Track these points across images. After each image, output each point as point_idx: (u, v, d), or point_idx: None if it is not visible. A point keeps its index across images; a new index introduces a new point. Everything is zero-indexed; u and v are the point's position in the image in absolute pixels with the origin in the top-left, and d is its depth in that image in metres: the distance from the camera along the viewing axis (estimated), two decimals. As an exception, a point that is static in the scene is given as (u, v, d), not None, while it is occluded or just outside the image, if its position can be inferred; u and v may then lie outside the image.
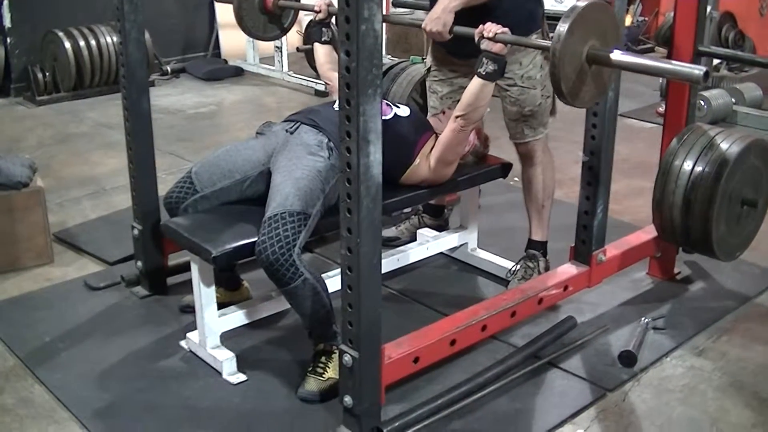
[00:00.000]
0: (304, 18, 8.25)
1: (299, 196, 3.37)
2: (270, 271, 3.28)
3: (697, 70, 2.85)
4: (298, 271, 3.26)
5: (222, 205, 3.70)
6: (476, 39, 3.49)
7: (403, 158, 3.80)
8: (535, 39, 3.90)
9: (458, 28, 3.67)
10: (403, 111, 3.94)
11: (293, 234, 3.27)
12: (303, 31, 8.43)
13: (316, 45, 4.32)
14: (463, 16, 3.67)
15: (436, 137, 3.89)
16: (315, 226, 3.43)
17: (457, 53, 4.05)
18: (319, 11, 4.22)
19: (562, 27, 2.87)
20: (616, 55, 2.96)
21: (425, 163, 3.83)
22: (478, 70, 3.54)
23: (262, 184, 3.65)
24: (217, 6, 9.40)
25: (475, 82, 3.60)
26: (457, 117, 3.71)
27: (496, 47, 3.45)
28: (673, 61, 3.13)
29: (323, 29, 4.28)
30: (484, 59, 3.51)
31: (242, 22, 4.42)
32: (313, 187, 3.44)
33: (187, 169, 3.80)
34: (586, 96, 3.07)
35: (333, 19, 4.29)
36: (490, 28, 3.44)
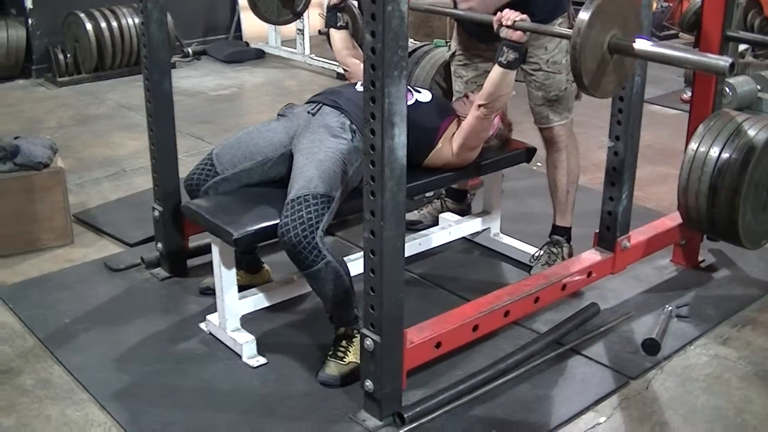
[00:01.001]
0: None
1: (323, 178, 3.35)
2: (292, 254, 3.26)
3: (723, 61, 2.79)
4: (321, 254, 3.25)
5: (243, 187, 3.68)
6: (495, 27, 3.45)
7: (426, 143, 3.77)
8: (557, 26, 3.87)
9: (476, 15, 3.62)
10: (425, 96, 3.90)
11: (316, 216, 3.25)
12: (326, 14, 8.39)
13: (332, 31, 4.25)
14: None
15: (459, 121, 3.86)
16: (337, 209, 3.41)
17: (481, 37, 4.02)
18: None
19: (583, 16, 2.82)
20: (640, 45, 2.91)
21: (448, 147, 3.80)
22: (499, 59, 3.50)
23: (284, 166, 3.63)
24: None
25: (496, 70, 3.56)
26: (480, 106, 3.67)
27: (516, 35, 3.41)
28: (698, 52, 3.07)
29: (338, 14, 4.21)
30: (504, 48, 3.47)
31: (255, 5, 4.37)
32: (336, 169, 3.41)
33: (208, 151, 3.78)
34: (608, 86, 3.01)
35: (352, 2, 4.24)
36: (509, 16, 3.39)
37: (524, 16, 3.39)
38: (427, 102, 3.87)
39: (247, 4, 4.38)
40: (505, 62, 3.49)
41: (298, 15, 4.61)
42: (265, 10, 4.43)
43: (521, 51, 3.47)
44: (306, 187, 3.31)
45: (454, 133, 3.82)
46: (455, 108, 3.98)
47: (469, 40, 4.13)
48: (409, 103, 3.70)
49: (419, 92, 3.91)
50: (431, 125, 3.80)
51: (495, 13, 3.45)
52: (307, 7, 4.61)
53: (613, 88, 3.10)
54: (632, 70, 3.21)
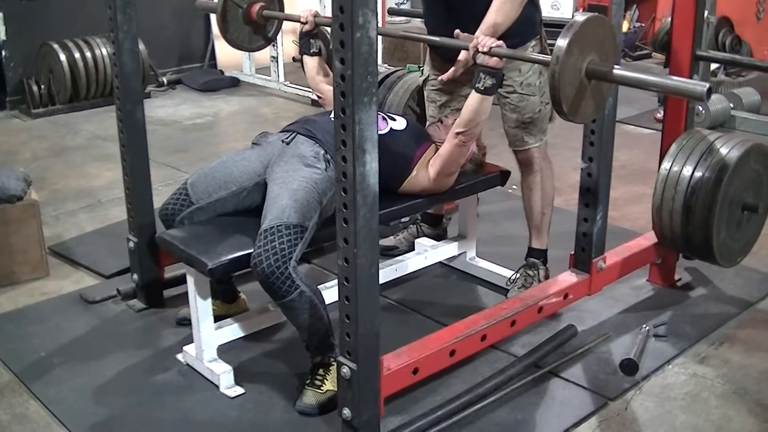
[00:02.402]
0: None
1: (296, 208, 3.34)
2: (266, 284, 3.25)
3: (700, 86, 2.79)
4: (294, 284, 3.23)
5: (218, 217, 3.67)
6: (471, 53, 3.46)
7: (401, 170, 3.77)
8: (530, 48, 3.90)
9: (452, 42, 3.64)
10: (400, 123, 3.90)
11: (289, 247, 3.24)
12: (299, 41, 8.41)
13: (305, 57, 4.24)
14: (462, 22, 3.64)
15: (435, 147, 3.86)
16: (312, 237, 3.40)
17: (454, 61, 4.03)
18: (306, 22, 4.12)
19: (561, 43, 2.83)
20: (617, 70, 2.93)
21: (424, 174, 3.79)
22: (476, 86, 3.52)
23: (259, 194, 3.62)
24: (213, 17, 9.39)
25: (474, 97, 3.57)
26: (457, 134, 3.68)
27: (492, 61, 3.42)
28: (675, 78, 3.09)
29: (311, 41, 4.20)
30: (480, 74, 3.48)
31: (226, 32, 4.35)
32: (310, 199, 3.41)
33: (183, 180, 3.77)
34: (586, 111, 3.04)
35: (325, 28, 4.24)
36: (485, 42, 3.40)
37: (500, 43, 3.40)
38: (402, 129, 3.87)
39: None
40: (482, 88, 3.50)
41: (269, 41, 4.59)
42: (236, 37, 4.41)
43: (498, 77, 3.48)
44: (279, 217, 3.30)
45: (429, 159, 3.82)
46: (430, 133, 3.98)
47: (443, 64, 4.13)
48: (384, 131, 3.73)
49: (394, 120, 3.91)
50: (406, 153, 3.80)
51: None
52: (278, 32, 4.61)
53: (592, 113, 3.12)
54: (609, 95, 3.22)
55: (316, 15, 4.12)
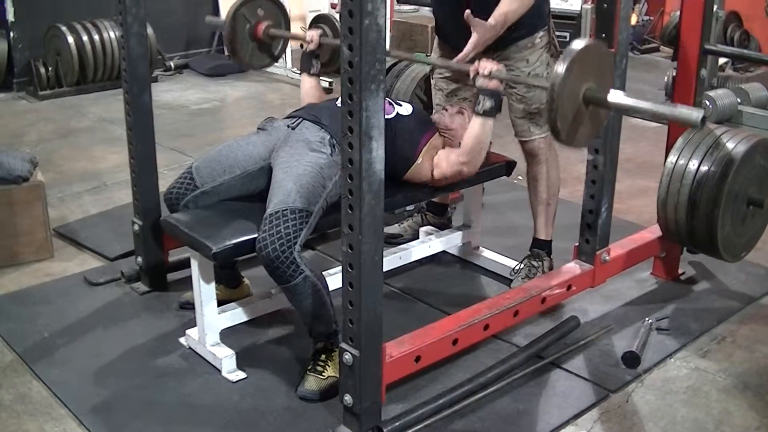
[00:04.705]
0: (309, 15, 8.24)
1: (301, 192, 3.34)
2: (270, 268, 3.25)
3: (696, 113, 2.80)
4: (299, 269, 3.24)
5: (223, 201, 3.67)
6: (471, 76, 3.49)
7: (406, 156, 3.77)
8: (538, 39, 3.92)
9: (453, 65, 3.69)
10: (406, 109, 3.90)
11: (294, 231, 3.25)
12: (307, 28, 8.41)
13: (303, 76, 4.23)
14: (471, 11, 3.64)
15: (440, 134, 3.87)
16: (316, 223, 3.41)
17: (462, 50, 4.02)
18: (311, 41, 4.13)
19: (560, 69, 2.83)
20: (613, 97, 2.94)
21: (428, 165, 3.79)
22: (476, 109, 3.57)
23: (263, 179, 3.63)
24: (221, 2, 9.41)
25: (475, 122, 3.65)
26: (462, 162, 3.73)
27: (492, 84, 3.46)
28: (670, 104, 3.09)
29: (313, 60, 4.19)
30: (480, 97, 3.54)
31: (233, 48, 4.36)
32: (315, 183, 3.41)
33: (188, 164, 3.78)
34: (582, 137, 3.04)
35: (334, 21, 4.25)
36: (485, 66, 3.44)
37: (501, 67, 3.47)
38: (408, 115, 3.87)
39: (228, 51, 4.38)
40: (481, 111, 3.57)
41: (275, 59, 4.60)
42: (243, 53, 4.40)
43: (497, 99, 3.53)
44: (284, 202, 3.30)
45: (435, 148, 3.82)
46: (435, 120, 3.98)
47: (450, 53, 4.12)
48: (390, 116, 3.73)
49: (400, 105, 3.90)
50: (412, 138, 3.79)
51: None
52: (284, 51, 4.62)
53: (588, 139, 3.13)
54: (606, 120, 3.22)
55: (322, 35, 4.15)
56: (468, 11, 3.56)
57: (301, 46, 4.21)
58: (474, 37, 3.65)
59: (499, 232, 4.81)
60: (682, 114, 2.87)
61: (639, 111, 3.04)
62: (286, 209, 3.28)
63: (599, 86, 2.95)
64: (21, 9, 8.03)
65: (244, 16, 4.30)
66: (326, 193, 3.45)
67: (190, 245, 3.49)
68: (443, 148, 3.85)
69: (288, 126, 3.72)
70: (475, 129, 3.66)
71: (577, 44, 2.88)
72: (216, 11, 9.53)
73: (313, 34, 4.14)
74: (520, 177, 4.73)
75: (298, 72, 8.44)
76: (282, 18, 4.47)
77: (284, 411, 3.30)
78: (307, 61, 4.21)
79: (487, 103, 3.53)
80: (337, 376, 3.14)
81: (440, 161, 3.79)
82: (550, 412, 3.34)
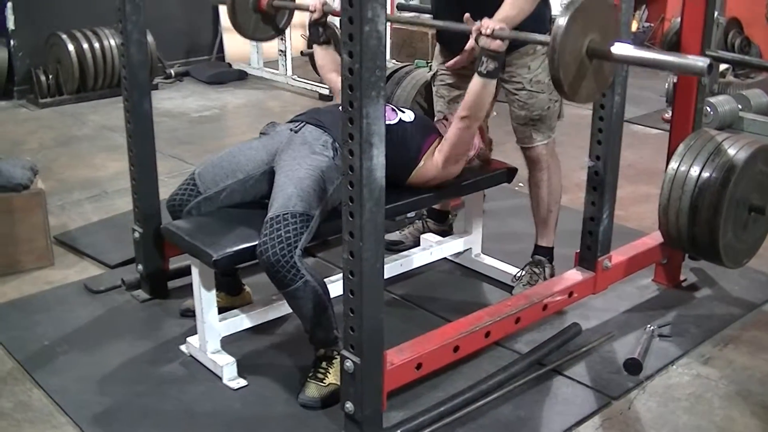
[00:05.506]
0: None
1: (302, 196, 3.34)
2: (271, 273, 3.25)
3: (701, 61, 2.76)
4: (300, 273, 3.23)
5: (224, 208, 3.67)
6: (474, 36, 3.43)
7: (409, 162, 3.76)
8: (540, 49, 3.88)
9: (455, 25, 3.61)
10: (408, 116, 3.89)
11: (295, 235, 3.24)
12: (307, 35, 8.42)
13: (315, 47, 4.27)
14: (472, 17, 3.63)
15: (441, 139, 3.86)
16: (317, 229, 3.40)
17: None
18: (314, 11, 4.15)
19: (561, 21, 2.80)
20: (617, 48, 2.90)
21: (431, 164, 3.78)
22: (478, 69, 3.48)
23: (266, 183, 3.63)
24: (221, 9, 9.39)
25: (476, 81, 3.54)
26: (462, 117, 3.67)
27: (495, 44, 3.38)
28: (676, 53, 3.05)
29: (320, 29, 4.22)
30: (483, 57, 3.44)
31: (236, 21, 4.33)
32: (316, 187, 3.41)
33: (190, 172, 3.77)
34: (586, 91, 3.00)
35: (332, 19, 4.23)
36: (487, 25, 3.36)
37: (503, 25, 3.36)
38: (411, 121, 3.86)
39: (231, 26, 4.35)
40: (484, 72, 3.47)
41: (280, 31, 4.58)
42: (245, 26, 4.39)
43: (500, 60, 3.44)
44: (285, 206, 3.30)
45: (437, 149, 3.81)
46: (438, 129, 3.98)
47: (452, 59, 4.12)
48: (393, 122, 3.72)
49: (403, 112, 3.90)
50: (414, 143, 3.79)
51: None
52: (289, 23, 4.59)
53: (593, 94, 3.09)
54: (611, 77, 3.18)
55: (324, 3, 4.14)
56: (467, 15, 3.55)
57: (302, 53, 4.21)
58: (470, 43, 3.64)
59: (500, 239, 4.80)
60: (687, 63, 2.85)
61: (644, 62, 2.99)
62: (287, 213, 3.27)
63: (603, 39, 2.92)
64: (21, 17, 8.02)
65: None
66: (327, 197, 3.45)
67: (190, 253, 3.48)
68: None
69: (291, 130, 3.72)
70: (475, 87, 3.56)
71: None
72: (216, 19, 9.55)
73: (316, 3, 4.14)
74: (521, 184, 4.73)
75: (299, 79, 8.52)
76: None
77: (285, 418, 3.29)
78: (315, 32, 4.23)
79: (490, 65, 3.43)
80: (338, 383, 3.13)
81: (442, 140, 3.79)
82: (551, 420, 3.33)
